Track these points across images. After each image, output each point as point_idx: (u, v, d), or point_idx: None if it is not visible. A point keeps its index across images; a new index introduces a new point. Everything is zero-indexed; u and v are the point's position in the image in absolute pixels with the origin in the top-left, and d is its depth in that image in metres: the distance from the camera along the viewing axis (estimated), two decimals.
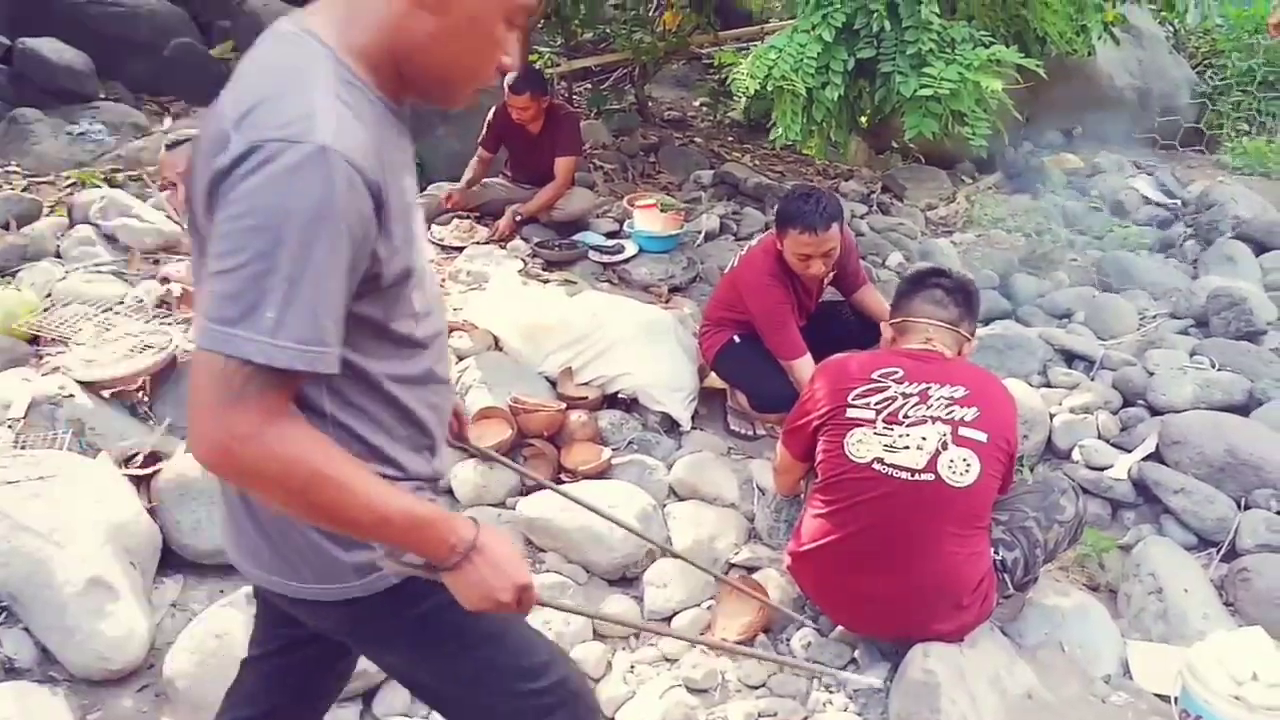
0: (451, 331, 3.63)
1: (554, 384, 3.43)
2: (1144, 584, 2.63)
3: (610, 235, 4.80)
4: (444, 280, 4.15)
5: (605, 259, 4.50)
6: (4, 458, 2.54)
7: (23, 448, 2.64)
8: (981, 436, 2.19)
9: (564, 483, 3.01)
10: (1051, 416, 3.38)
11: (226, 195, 1.03)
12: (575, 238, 4.67)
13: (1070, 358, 3.87)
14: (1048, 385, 3.67)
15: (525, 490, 3.01)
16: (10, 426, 2.74)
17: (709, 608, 2.61)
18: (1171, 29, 5.09)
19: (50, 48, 5.90)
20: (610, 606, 2.57)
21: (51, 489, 2.43)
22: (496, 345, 3.58)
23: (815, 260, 3.11)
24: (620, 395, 3.40)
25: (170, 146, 2.98)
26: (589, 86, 7.42)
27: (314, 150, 1.02)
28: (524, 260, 4.38)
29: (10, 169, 4.95)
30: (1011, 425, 2.28)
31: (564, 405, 3.24)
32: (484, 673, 1.38)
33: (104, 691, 2.25)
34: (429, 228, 4.74)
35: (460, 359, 3.50)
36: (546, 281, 4.21)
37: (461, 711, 1.47)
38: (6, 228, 4.12)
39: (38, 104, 5.64)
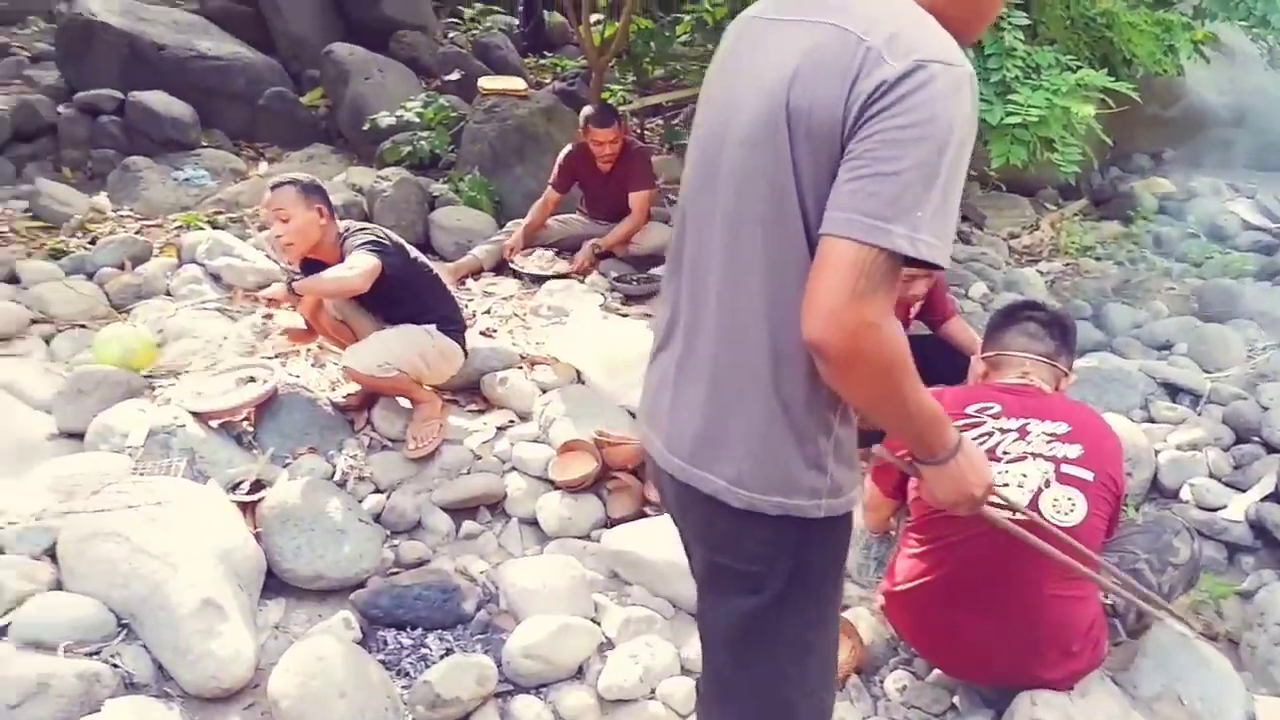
0: (534, 365, 3.70)
1: (636, 417, 3.45)
2: (1270, 634, 2.49)
3: None
4: (525, 314, 4.23)
5: None
6: (124, 484, 2.67)
7: (140, 474, 2.77)
8: (1086, 474, 2.12)
9: (648, 515, 3.03)
10: (1157, 454, 3.25)
11: (890, 106, 1.13)
12: (653, 272, 4.72)
13: (1174, 391, 3.73)
14: (1150, 420, 3.54)
15: (611, 523, 3.04)
16: (129, 454, 2.88)
17: None
18: (1266, 46, 4.94)
19: (158, 100, 6.26)
20: (697, 643, 2.54)
21: (166, 514, 2.55)
22: (579, 379, 3.63)
23: (919, 280, 3.11)
24: None
25: (274, 188, 3.11)
26: (660, 122, 7.52)
27: (968, 75, 1.16)
28: (604, 295, 4.44)
29: (123, 213, 5.24)
30: (1117, 463, 2.20)
31: None
32: (816, 648, 1.47)
33: (213, 709, 2.32)
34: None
35: (544, 392, 3.56)
36: (626, 315, 4.26)
37: (778, 679, 1.46)
38: (122, 268, 4.36)
39: (147, 152, 5.98)
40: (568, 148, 4.90)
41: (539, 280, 4.66)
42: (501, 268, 4.85)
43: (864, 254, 1.11)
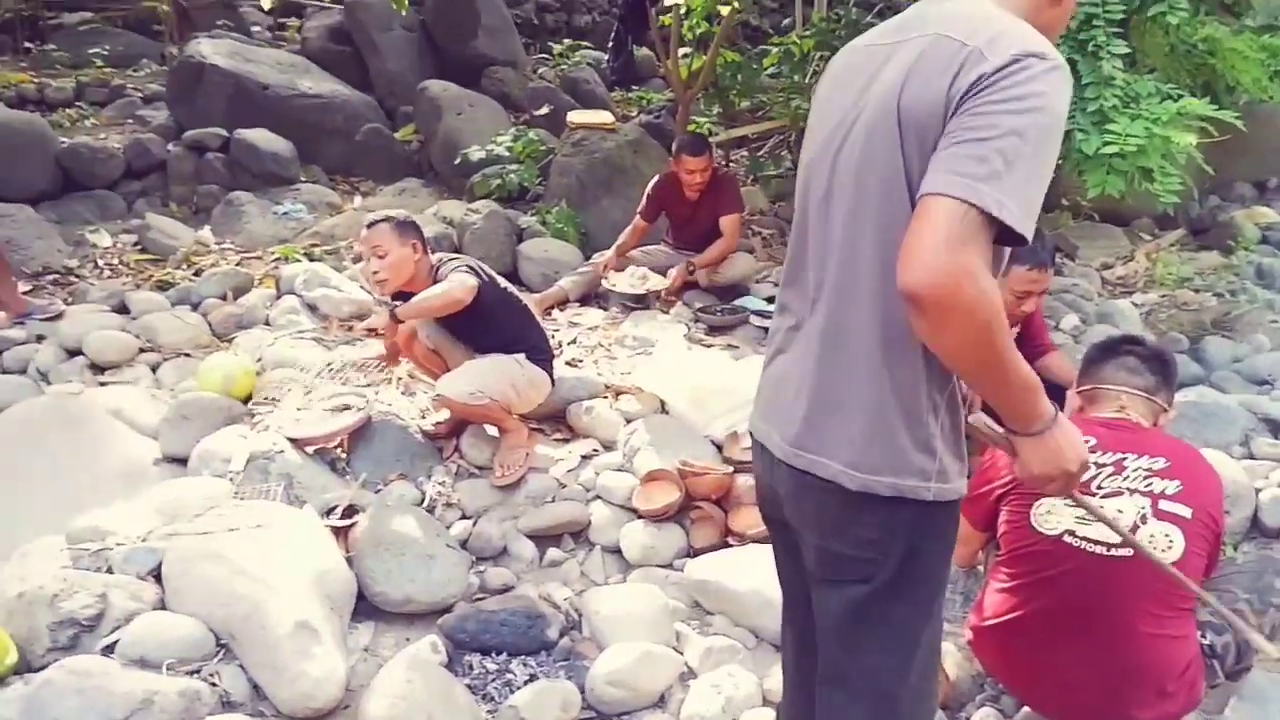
0: (619, 395, 3.74)
1: (720, 448, 3.46)
2: None
3: (771, 300, 4.83)
4: (611, 345, 4.29)
5: (767, 324, 4.52)
6: (225, 507, 2.79)
7: (241, 499, 2.89)
8: (1185, 511, 2.06)
9: (731, 545, 3.03)
10: (1257, 492, 3.13)
11: (988, 90, 1.23)
12: (736, 303, 4.74)
13: (1276, 428, 3.59)
14: (1251, 457, 3.41)
15: (694, 552, 3.04)
16: (231, 479, 3.01)
17: None
18: None
19: (260, 137, 6.56)
20: (778, 674, 2.53)
21: (265, 537, 2.65)
22: (663, 409, 3.66)
23: (1033, 298, 3.10)
24: None
25: (371, 225, 3.25)
26: (745, 154, 7.56)
27: (1061, 66, 1.25)
28: (688, 325, 4.47)
29: (225, 246, 5.50)
30: (1218, 501, 2.13)
31: (731, 469, 3.26)
32: (922, 642, 1.51)
33: None
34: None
35: (628, 421, 3.59)
36: (711, 346, 4.28)
37: (884, 670, 1.51)
38: (225, 299, 4.57)
39: (249, 187, 6.28)
40: (656, 178, 4.98)
41: (634, 300, 4.75)
42: (587, 299, 4.93)
43: (958, 208, 1.18)
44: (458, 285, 3.14)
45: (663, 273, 4.86)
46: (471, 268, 3.27)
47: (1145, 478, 2.10)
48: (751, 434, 1.64)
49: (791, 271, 1.56)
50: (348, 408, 3.36)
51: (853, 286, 1.39)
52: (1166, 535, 2.04)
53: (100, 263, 5.31)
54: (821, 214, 1.46)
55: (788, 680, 1.86)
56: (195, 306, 4.57)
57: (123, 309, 4.56)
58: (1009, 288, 3.04)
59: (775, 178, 6.86)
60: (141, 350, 4.18)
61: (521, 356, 3.38)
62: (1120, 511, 2.07)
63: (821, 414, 1.44)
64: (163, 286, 4.84)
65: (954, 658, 2.52)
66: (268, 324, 4.38)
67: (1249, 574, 2.28)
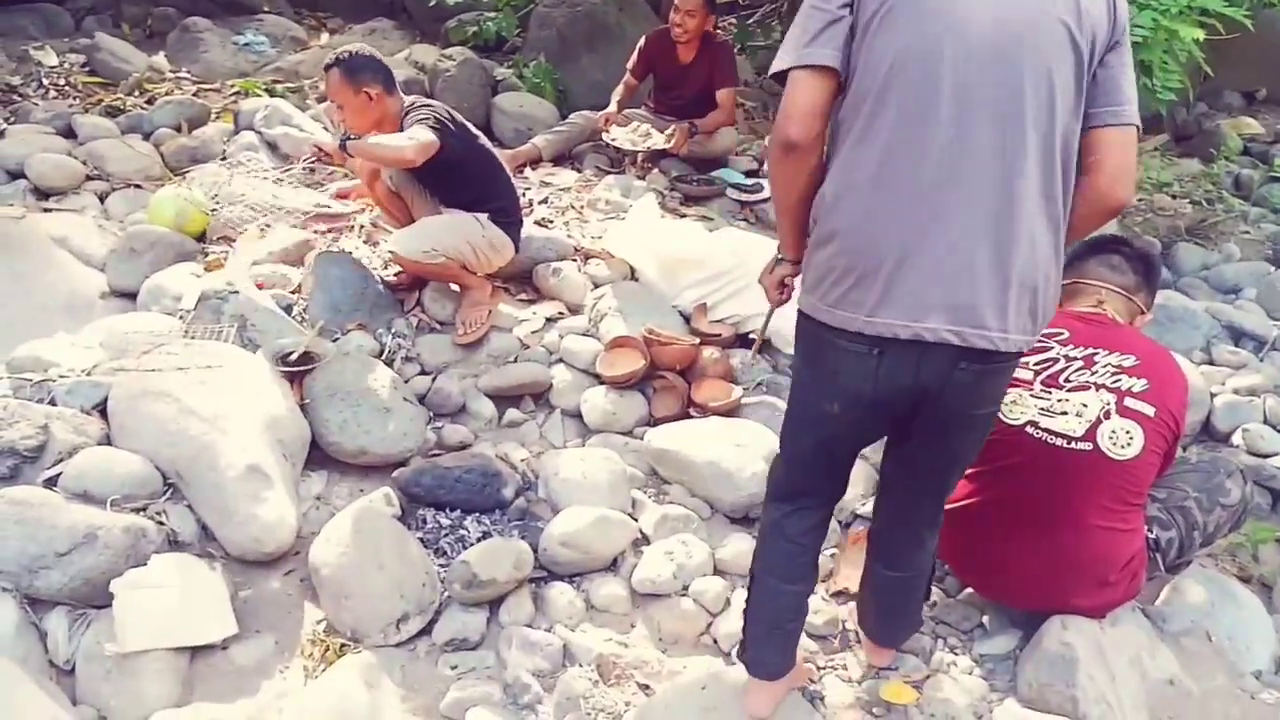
0: (589, 259, 3.65)
1: (688, 319, 3.41)
2: None
3: (749, 174, 4.71)
4: (583, 207, 4.16)
5: (744, 197, 4.43)
6: (175, 346, 2.70)
7: (191, 338, 2.80)
8: (1148, 410, 2.07)
9: (692, 417, 3.02)
10: (1213, 396, 3.17)
11: (1123, 22, 1.62)
12: (714, 174, 4.61)
13: (1238, 336, 3.62)
14: (1210, 363, 3.45)
15: (654, 421, 3.03)
16: (180, 317, 2.91)
17: (832, 555, 2.58)
18: None
19: None
20: (732, 544, 2.56)
21: (216, 378, 2.58)
22: (633, 276, 3.59)
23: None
24: (753, 336, 3.35)
25: (326, 69, 3.06)
26: (733, 22, 7.25)
27: None
28: (663, 193, 4.34)
29: (181, 75, 5.20)
30: (1182, 403, 2.14)
31: (697, 340, 3.22)
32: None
33: (255, 571, 2.39)
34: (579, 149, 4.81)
35: (596, 286, 3.52)
36: (684, 216, 4.18)
37: (948, 483, 1.92)
38: (179, 130, 4.34)
39: (207, 14, 5.91)
40: (646, 35, 4.75)
41: (609, 164, 4.65)
42: (561, 159, 4.76)
43: (1133, 134, 1.63)
44: (411, 145, 2.94)
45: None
46: (441, 120, 3.07)
47: (1114, 374, 2.10)
48: (877, 333, 1.62)
49: (904, 155, 1.56)
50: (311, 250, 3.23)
51: (1014, 176, 1.54)
52: (1127, 432, 2.05)
53: (45, 82, 4.99)
54: (962, 99, 1.53)
55: (794, 546, 1.96)
56: (147, 136, 4.34)
57: (69, 133, 4.32)
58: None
59: (762, 48, 6.59)
60: (89, 178, 3.99)
61: (485, 217, 3.25)
62: (1086, 405, 2.07)
63: (998, 291, 1.57)
64: (112, 112, 4.57)
65: None
66: (224, 159, 4.17)
67: (1200, 473, 2.32)
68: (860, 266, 1.58)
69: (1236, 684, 2.18)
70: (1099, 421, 2.05)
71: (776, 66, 1.62)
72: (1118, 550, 2.08)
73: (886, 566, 2.03)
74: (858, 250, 1.59)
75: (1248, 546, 2.70)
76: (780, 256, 1.93)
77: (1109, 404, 2.07)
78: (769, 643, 2.00)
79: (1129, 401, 2.07)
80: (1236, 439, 3.06)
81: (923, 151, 1.53)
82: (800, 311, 1.76)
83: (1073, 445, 2.06)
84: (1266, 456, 2.96)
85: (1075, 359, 2.13)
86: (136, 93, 4.84)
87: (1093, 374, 2.10)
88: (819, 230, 1.66)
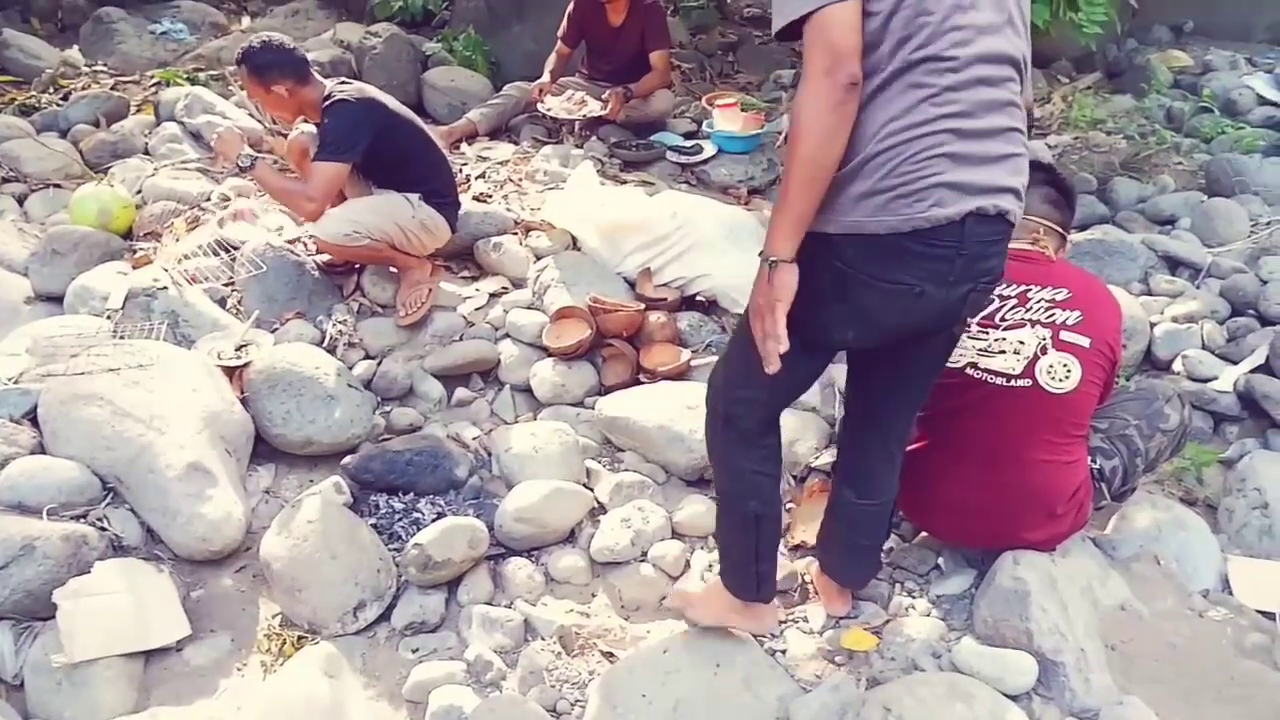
0: (529, 231, 3.61)
1: (633, 285, 3.39)
2: (1248, 499, 2.52)
3: (688, 136, 4.68)
4: (521, 179, 4.11)
5: (684, 159, 4.40)
6: (105, 347, 2.62)
7: (121, 338, 2.72)
8: (1083, 341, 2.09)
9: (642, 383, 3.00)
10: (1152, 325, 3.23)
11: None
12: (653, 138, 4.57)
13: (1174, 265, 3.68)
14: (1149, 293, 3.50)
15: (604, 390, 3.01)
16: (109, 317, 2.82)
17: (788, 510, 2.59)
18: None
19: None
20: (688, 507, 2.57)
21: (149, 378, 2.51)
22: (575, 245, 3.55)
23: None
24: (699, 297, 3.34)
25: (237, 63, 2.99)
26: None
27: None
28: (601, 160, 4.30)
29: (98, 68, 5.02)
30: (1116, 330, 2.17)
31: (643, 306, 3.20)
32: None
33: (205, 571, 2.35)
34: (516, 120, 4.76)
35: (538, 258, 3.48)
36: (624, 182, 4.14)
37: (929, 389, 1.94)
38: (97, 125, 4.19)
39: (120, 3, 5.69)
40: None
41: (545, 134, 4.59)
42: (497, 133, 4.68)
43: None
44: (310, 206, 2.95)
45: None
46: (348, 130, 2.97)
47: (1047, 309, 2.12)
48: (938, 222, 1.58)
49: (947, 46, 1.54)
50: (236, 246, 3.15)
51: (1012, 70, 1.61)
52: (1065, 365, 2.07)
53: None
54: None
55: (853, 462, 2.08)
56: (64, 134, 4.19)
57: None
58: None
59: (696, 8, 6.53)
60: (5, 180, 3.85)
61: (415, 197, 3.18)
62: (1022, 343, 2.09)
63: (1015, 168, 1.63)
64: (26, 111, 4.41)
65: None
66: (147, 153, 4.04)
67: (1139, 401, 2.35)
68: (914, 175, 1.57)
69: (1185, 604, 2.23)
70: (1036, 357, 2.07)
71: (796, 12, 1.49)
72: (1063, 483, 2.10)
73: (858, 495, 2.07)
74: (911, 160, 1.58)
75: (1192, 470, 2.77)
76: (778, 259, 1.60)
77: (1045, 339, 2.08)
78: (772, 566, 2.07)
79: (1064, 335, 2.09)
80: (1177, 366, 3.12)
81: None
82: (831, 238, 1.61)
83: (1012, 383, 2.08)
84: (1206, 381, 3.02)
85: (1009, 298, 2.14)
86: (51, 89, 4.66)
87: (1027, 311, 2.12)
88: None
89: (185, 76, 4.85)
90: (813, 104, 1.50)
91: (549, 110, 4.53)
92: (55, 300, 3.07)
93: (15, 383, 2.51)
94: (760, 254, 1.64)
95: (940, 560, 2.39)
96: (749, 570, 2.04)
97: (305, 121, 3.17)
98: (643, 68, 4.61)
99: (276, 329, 3.01)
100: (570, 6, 4.65)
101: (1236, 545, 2.49)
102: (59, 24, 5.77)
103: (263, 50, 2.96)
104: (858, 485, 2.07)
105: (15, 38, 5.09)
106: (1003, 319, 2.13)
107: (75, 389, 2.44)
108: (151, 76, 4.88)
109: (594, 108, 4.54)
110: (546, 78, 4.63)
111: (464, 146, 4.48)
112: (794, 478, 2.70)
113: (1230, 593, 2.31)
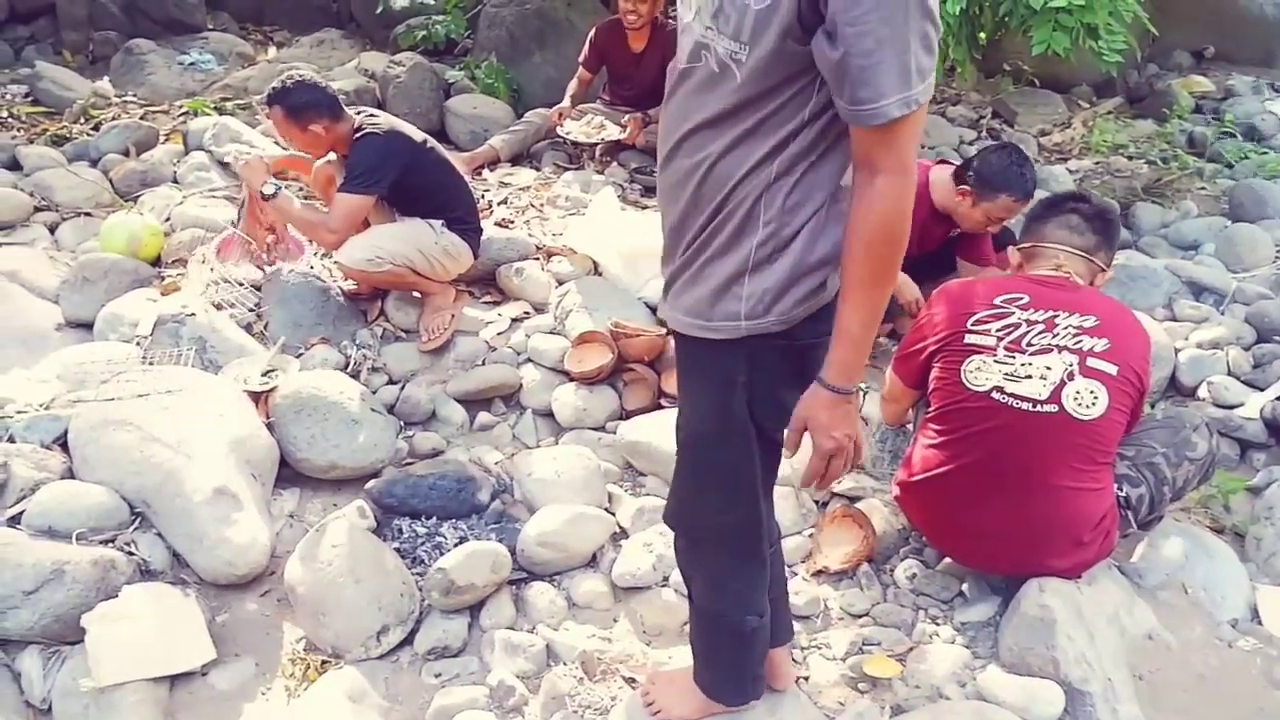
0: (551, 256, 3.63)
1: (654, 309, 3.40)
2: (1276, 527, 2.50)
3: None
4: (543, 205, 4.14)
5: None
6: (134, 373, 2.65)
7: (150, 364, 2.75)
8: (1111, 369, 2.08)
9: (664, 407, 3.01)
10: (1177, 351, 3.21)
11: None
12: None
13: (1198, 290, 3.67)
14: (1173, 319, 3.49)
15: (626, 414, 3.02)
16: (138, 343, 2.86)
17: (810, 535, 2.59)
18: None
19: None
20: None
21: (178, 403, 2.54)
22: (596, 270, 3.57)
23: (1006, 223, 3.06)
24: None
25: (268, 103, 3.06)
26: None
27: None
28: (622, 186, 4.33)
29: (128, 99, 5.12)
30: (1144, 359, 2.16)
31: (664, 331, 3.21)
32: None
33: (230, 595, 2.36)
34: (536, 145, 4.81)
35: (560, 283, 3.50)
36: (645, 207, 4.17)
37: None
38: (127, 154, 4.27)
39: (150, 35, 5.81)
40: (595, 26, 4.73)
41: (567, 160, 4.61)
42: (519, 159, 4.73)
43: None
44: (331, 238, 3.04)
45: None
46: (374, 166, 3.02)
47: (1075, 335, 2.11)
48: None
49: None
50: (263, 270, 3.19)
51: None
52: (1092, 392, 2.06)
53: None
54: None
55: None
56: (95, 163, 4.26)
57: (14, 165, 4.23)
58: (992, 212, 2.97)
59: None
60: (37, 209, 3.91)
61: (439, 223, 3.22)
62: (1049, 368, 2.08)
63: None
64: (58, 141, 4.49)
65: (880, 513, 2.58)
66: (175, 182, 4.11)
67: (1167, 429, 2.33)
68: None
69: (1213, 634, 2.21)
70: (1063, 383, 2.07)
71: (918, 102, 1.25)
72: (1089, 510, 2.09)
73: (770, 542, 1.84)
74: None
75: (1219, 498, 2.74)
76: (861, 388, 1.47)
77: (1072, 365, 2.08)
78: (764, 662, 1.91)
79: (1091, 361, 2.08)
80: (1202, 392, 3.10)
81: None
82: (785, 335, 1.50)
83: (1039, 408, 2.07)
84: (1232, 407, 3.00)
85: (1036, 323, 2.14)
86: (82, 120, 4.75)
87: (1054, 336, 2.11)
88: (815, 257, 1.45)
89: (213, 106, 4.93)
90: (905, 205, 1.32)
91: (568, 134, 4.57)
92: (85, 327, 3.11)
93: (46, 409, 2.54)
94: (832, 385, 1.43)
95: (964, 587, 2.37)
96: (741, 680, 1.90)
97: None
98: (663, 93, 4.64)
99: (301, 354, 3.05)
100: (591, 33, 4.72)
101: (1265, 574, 2.46)
102: (90, 56, 5.89)
103: (297, 90, 3.00)
104: (771, 534, 1.85)
105: (48, 69, 5.21)
106: (1029, 344, 2.12)
107: (105, 414, 2.47)
108: (180, 106, 4.98)
109: (613, 131, 4.57)
110: (567, 102, 4.68)
111: (486, 173, 4.53)
112: (816, 503, 2.69)
113: (1259, 622, 2.28)
